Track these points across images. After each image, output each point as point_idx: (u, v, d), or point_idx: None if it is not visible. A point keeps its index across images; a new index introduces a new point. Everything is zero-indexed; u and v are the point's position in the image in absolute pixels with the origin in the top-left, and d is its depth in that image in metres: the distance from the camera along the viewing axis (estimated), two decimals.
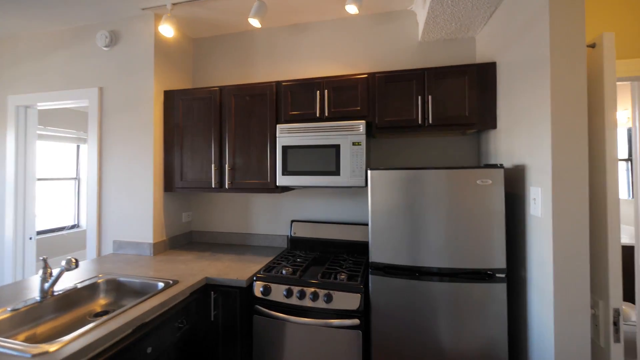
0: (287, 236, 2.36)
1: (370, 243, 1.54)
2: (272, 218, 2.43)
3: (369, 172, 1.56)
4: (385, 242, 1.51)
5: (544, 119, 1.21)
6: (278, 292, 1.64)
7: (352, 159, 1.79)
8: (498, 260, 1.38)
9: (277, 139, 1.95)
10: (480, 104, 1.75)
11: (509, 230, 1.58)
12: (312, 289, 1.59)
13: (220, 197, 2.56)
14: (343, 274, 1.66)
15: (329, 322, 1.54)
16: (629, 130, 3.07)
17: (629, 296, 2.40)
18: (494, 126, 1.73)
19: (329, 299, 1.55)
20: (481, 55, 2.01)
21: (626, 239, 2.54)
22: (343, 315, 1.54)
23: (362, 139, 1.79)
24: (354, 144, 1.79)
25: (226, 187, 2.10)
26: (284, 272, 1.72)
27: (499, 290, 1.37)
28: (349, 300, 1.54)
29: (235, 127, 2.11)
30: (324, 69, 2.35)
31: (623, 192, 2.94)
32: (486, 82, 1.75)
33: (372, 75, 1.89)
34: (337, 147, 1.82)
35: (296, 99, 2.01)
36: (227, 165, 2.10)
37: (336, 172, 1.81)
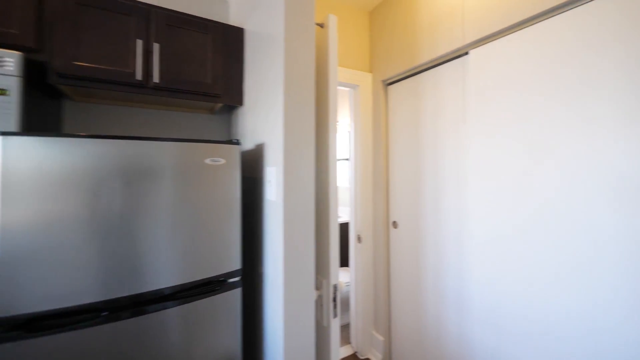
0: None
1: None
2: None
3: None
4: (34, 279, 0.84)
5: (279, 94, 1.05)
6: None
7: None
8: (233, 261, 1.12)
9: None
10: (227, 73, 1.46)
11: (250, 221, 1.39)
12: None
13: None
14: None
15: None
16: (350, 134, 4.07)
17: (343, 263, 3.05)
18: (241, 102, 1.50)
19: None
20: (234, 20, 1.76)
21: (345, 217, 3.27)
22: None
23: (13, 84, 0.98)
24: None
25: None
26: None
27: (233, 298, 1.12)
28: None
29: None
30: None
31: (344, 180, 3.86)
32: (234, 49, 1.48)
33: None
34: None
35: None
36: None
37: None
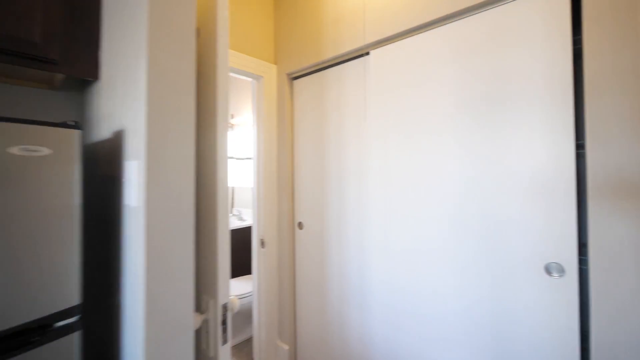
0: None
1: None
2: None
3: None
4: None
5: (142, 57, 0.78)
6: None
7: None
8: (68, 294, 0.78)
9: None
10: (70, 31, 1.06)
11: (106, 235, 1.05)
12: None
13: None
14: None
15: None
16: None
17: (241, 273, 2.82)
18: (95, 74, 1.12)
19: None
20: None
21: (250, 220, 3.04)
22: None
23: None
24: None
25: None
26: None
27: (67, 349, 0.78)
28: None
29: None
30: None
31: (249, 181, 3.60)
32: None
33: None
34: None
35: None
36: None
37: None
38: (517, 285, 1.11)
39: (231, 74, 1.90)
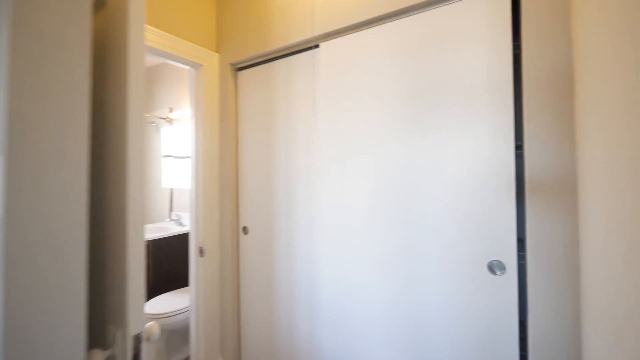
0: None
1: None
2: None
3: None
4: None
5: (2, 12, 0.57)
6: None
7: None
8: None
9: None
10: None
11: None
12: None
13: None
14: None
15: None
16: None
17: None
18: None
19: None
20: None
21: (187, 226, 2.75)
22: None
23: None
24: None
25: None
26: None
27: None
28: None
29: None
30: None
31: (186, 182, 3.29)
32: None
33: None
34: None
35: None
36: None
37: None
38: (462, 282, 1.11)
39: (165, 60, 1.66)
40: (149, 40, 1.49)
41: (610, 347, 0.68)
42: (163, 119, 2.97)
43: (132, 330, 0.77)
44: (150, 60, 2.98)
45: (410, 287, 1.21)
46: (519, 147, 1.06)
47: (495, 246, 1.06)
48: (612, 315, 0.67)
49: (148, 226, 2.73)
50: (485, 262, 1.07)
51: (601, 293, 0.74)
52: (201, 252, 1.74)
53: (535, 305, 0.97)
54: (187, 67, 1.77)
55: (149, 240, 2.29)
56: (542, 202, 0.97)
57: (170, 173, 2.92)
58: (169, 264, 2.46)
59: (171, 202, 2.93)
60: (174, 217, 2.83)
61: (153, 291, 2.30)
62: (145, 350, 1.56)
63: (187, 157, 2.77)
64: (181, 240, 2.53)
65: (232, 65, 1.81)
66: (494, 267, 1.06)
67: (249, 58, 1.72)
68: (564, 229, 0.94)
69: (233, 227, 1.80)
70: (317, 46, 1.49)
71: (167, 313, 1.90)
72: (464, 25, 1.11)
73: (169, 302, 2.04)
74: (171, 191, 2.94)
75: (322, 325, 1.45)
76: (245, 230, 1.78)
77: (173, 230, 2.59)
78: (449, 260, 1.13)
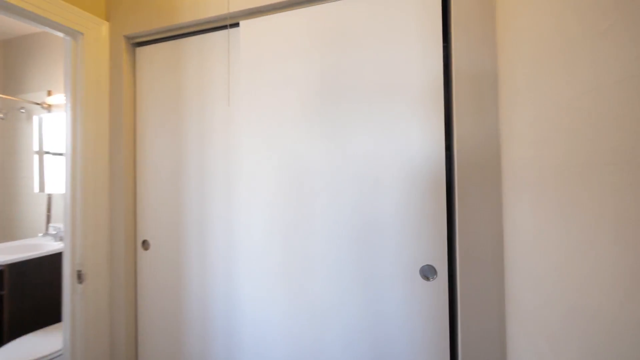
0: None
1: None
2: None
3: None
4: None
5: None
6: None
7: None
8: None
9: None
10: None
11: None
12: None
13: None
14: None
15: None
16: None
17: None
18: None
19: None
20: None
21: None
22: None
23: None
24: None
25: None
26: None
27: None
28: None
29: None
30: None
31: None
32: None
33: None
34: None
35: None
36: None
37: None
38: (394, 290, 1.02)
39: (35, 25, 1.21)
40: None
41: (544, 356, 0.64)
42: (38, 104, 2.30)
43: None
44: (18, 26, 2.29)
45: (325, 305, 1.08)
46: (447, 148, 1.02)
47: (427, 250, 1.00)
48: (543, 318, 0.63)
49: (11, 244, 2.06)
50: (418, 267, 1.01)
51: (528, 293, 0.71)
52: (79, 276, 1.32)
53: (464, 309, 0.94)
54: (60, 35, 1.34)
55: (2, 265, 1.70)
56: (471, 202, 0.94)
57: (50, 174, 2.28)
58: (41, 293, 1.88)
59: (49, 211, 2.28)
60: (51, 230, 2.20)
61: (11, 332, 1.71)
62: None
63: (56, 153, 2.19)
64: (60, 259, 1.97)
65: (128, 38, 1.45)
66: (426, 272, 1.00)
67: (152, 32, 1.38)
68: (492, 227, 0.92)
69: (128, 242, 1.42)
70: (237, 24, 1.27)
71: None
72: (395, 17, 1.03)
73: (35, 346, 1.52)
74: (49, 198, 2.29)
75: (243, 354, 1.22)
76: (145, 244, 1.43)
77: (49, 247, 2.00)
78: (384, 268, 1.04)
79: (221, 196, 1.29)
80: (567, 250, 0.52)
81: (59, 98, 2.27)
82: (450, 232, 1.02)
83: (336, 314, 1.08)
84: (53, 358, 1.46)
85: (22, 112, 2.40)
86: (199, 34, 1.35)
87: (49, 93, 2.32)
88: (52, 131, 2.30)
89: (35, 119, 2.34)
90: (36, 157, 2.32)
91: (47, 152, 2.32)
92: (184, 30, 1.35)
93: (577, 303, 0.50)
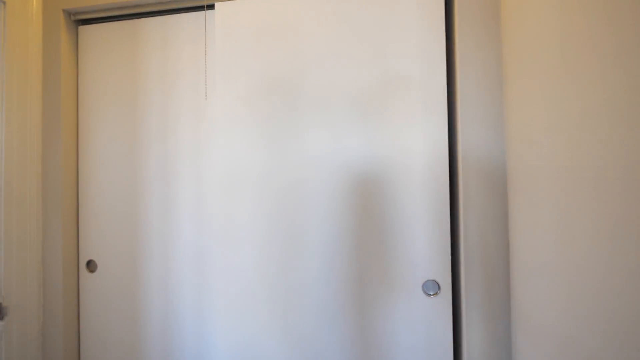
0: None
1: None
2: None
3: None
4: None
5: None
6: None
7: None
8: None
9: None
10: None
11: None
12: None
13: None
14: None
15: None
16: None
17: None
18: None
19: None
20: None
21: None
22: None
23: None
24: None
25: None
26: None
27: None
28: None
29: None
30: None
31: None
32: None
33: None
34: None
35: None
36: None
37: None
38: (397, 306, 0.94)
39: None
40: None
41: None
42: None
43: None
44: None
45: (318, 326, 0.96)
46: (450, 154, 0.97)
47: (430, 264, 0.93)
48: (556, 332, 0.59)
49: None
50: (421, 282, 0.93)
51: (540, 305, 0.68)
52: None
53: (469, 323, 0.89)
54: None
55: None
56: (478, 211, 0.89)
57: None
58: None
59: None
60: None
61: None
62: None
63: None
64: None
65: (69, 12, 1.18)
66: (429, 288, 0.93)
67: (100, 7, 1.15)
68: (498, 234, 0.88)
69: (68, 263, 1.15)
70: (211, 6, 1.10)
71: None
72: (395, 10, 0.96)
73: None
74: None
75: None
76: (91, 265, 1.17)
77: None
78: (391, 283, 0.95)
79: (190, 207, 1.10)
80: (581, 261, 0.48)
81: None
82: (453, 246, 0.96)
83: (327, 340, 0.96)
84: None
85: None
86: (163, 14, 1.15)
87: None
88: None
89: None
90: None
91: None
92: (142, 9, 1.14)
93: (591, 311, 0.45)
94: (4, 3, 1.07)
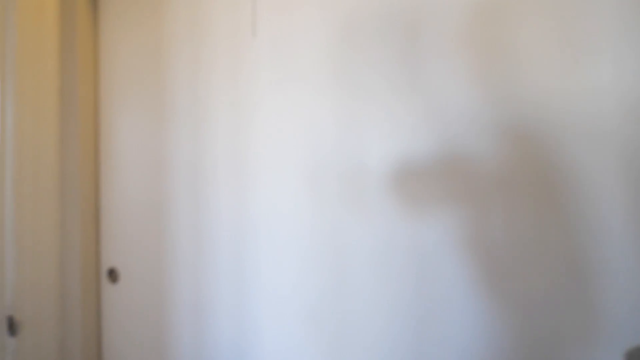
0: None
1: None
2: None
3: None
4: None
5: None
6: None
7: None
8: None
9: None
10: None
11: None
12: None
13: None
14: None
15: None
16: None
17: None
18: None
19: None
20: None
21: None
22: None
23: None
24: None
25: None
26: None
27: None
28: None
29: None
30: None
31: None
32: None
33: None
34: None
35: None
36: None
37: None
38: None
39: None
40: None
41: None
42: None
43: None
44: None
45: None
46: None
47: None
48: None
49: None
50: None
51: None
52: (12, 326, 0.90)
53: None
54: None
55: None
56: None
57: None
58: None
59: None
60: None
61: None
62: None
63: None
64: None
65: None
66: None
67: None
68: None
69: (88, 272, 1.01)
70: None
71: None
72: None
73: None
74: None
75: None
76: (113, 275, 1.02)
77: None
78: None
79: (228, 199, 0.91)
80: None
81: None
82: None
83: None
84: None
85: None
86: None
87: None
88: None
89: None
90: None
91: None
92: None
93: None
94: None
